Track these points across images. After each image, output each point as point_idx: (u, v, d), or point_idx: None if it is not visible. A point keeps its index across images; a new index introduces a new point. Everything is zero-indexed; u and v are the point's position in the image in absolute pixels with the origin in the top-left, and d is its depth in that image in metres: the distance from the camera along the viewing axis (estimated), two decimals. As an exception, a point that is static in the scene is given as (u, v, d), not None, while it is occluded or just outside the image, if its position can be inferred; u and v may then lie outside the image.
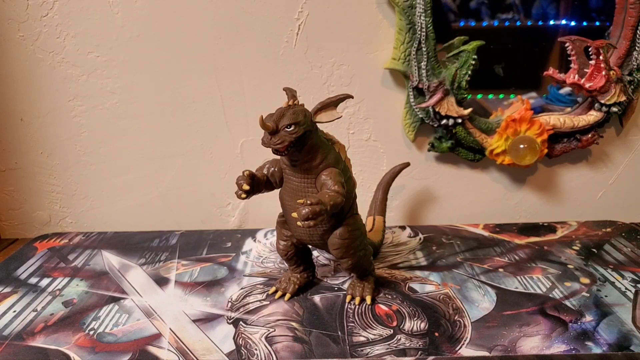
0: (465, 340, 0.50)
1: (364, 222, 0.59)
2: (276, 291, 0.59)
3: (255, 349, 0.49)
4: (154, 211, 0.83)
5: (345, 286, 0.60)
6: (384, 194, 0.74)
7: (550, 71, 0.73)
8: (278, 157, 0.52)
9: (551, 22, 0.76)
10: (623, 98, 0.74)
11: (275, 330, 0.52)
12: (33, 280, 0.63)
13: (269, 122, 0.48)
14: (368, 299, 0.56)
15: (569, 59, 0.73)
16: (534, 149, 0.74)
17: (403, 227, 0.79)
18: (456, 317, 0.54)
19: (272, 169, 0.54)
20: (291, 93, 0.53)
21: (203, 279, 0.63)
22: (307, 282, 0.60)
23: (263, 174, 0.54)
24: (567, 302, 0.56)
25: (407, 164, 0.76)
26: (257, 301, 0.58)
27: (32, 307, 0.57)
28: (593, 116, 0.76)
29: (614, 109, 0.74)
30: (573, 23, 0.76)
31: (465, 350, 0.48)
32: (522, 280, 0.61)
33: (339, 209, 0.51)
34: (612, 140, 0.81)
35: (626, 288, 0.59)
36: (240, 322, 0.53)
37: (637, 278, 0.61)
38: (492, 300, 0.57)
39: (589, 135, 0.77)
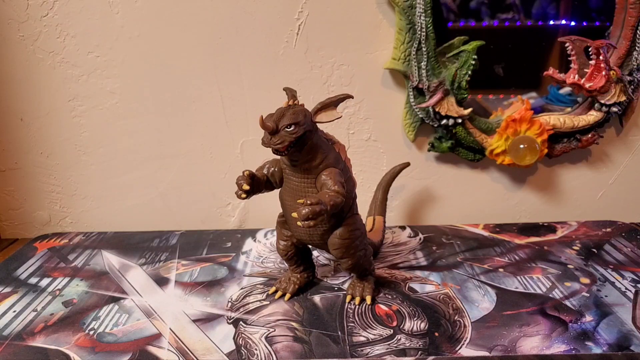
0: (465, 340, 0.50)
1: (364, 222, 0.59)
2: (276, 291, 0.59)
3: (255, 349, 0.49)
4: (154, 211, 0.83)
5: (345, 286, 0.60)
6: (384, 194, 0.74)
7: (550, 71, 0.73)
8: (278, 157, 0.52)
9: (551, 22, 0.76)
10: (623, 98, 0.74)
11: (275, 330, 0.52)
12: (33, 280, 0.63)
13: (269, 122, 0.48)
14: (368, 299, 0.56)
15: (569, 59, 0.72)
16: (534, 149, 0.74)
17: (403, 227, 0.78)
18: (456, 317, 0.54)
19: (272, 169, 0.54)
20: (291, 93, 0.53)
21: (203, 279, 0.63)
22: (307, 282, 0.60)
23: (263, 174, 0.54)
24: (567, 302, 0.56)
25: (407, 164, 0.75)
26: (257, 301, 0.58)
27: (32, 307, 0.57)
28: (593, 116, 0.76)
29: (614, 109, 0.74)
30: (573, 23, 0.76)
31: (465, 350, 0.48)
32: (522, 280, 0.61)
33: (339, 209, 0.51)
34: (612, 140, 0.81)
35: (626, 288, 0.59)
36: (240, 322, 0.53)
37: (637, 278, 0.61)
38: (492, 300, 0.57)
39: (589, 135, 0.77)
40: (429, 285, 0.61)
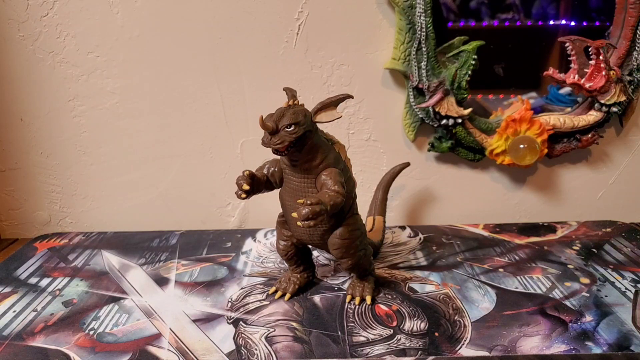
0: (465, 340, 0.50)
1: (364, 222, 0.59)
2: (276, 291, 0.59)
3: (255, 349, 0.49)
4: (154, 211, 0.83)
5: (345, 286, 0.60)
6: (384, 194, 0.74)
7: (550, 71, 0.73)
8: (278, 157, 0.52)
9: (551, 22, 0.76)
10: (623, 98, 0.74)
11: (275, 330, 0.52)
12: (33, 280, 0.63)
13: (269, 122, 0.48)
14: (368, 299, 0.56)
15: (569, 59, 0.73)
16: (534, 149, 0.74)
17: (403, 227, 0.78)
18: (456, 317, 0.54)
19: (272, 169, 0.54)
20: (291, 93, 0.53)
21: (203, 279, 0.63)
22: (307, 282, 0.60)
23: (263, 174, 0.54)
24: (567, 302, 0.56)
25: (407, 164, 0.76)
26: (257, 301, 0.58)
27: (32, 307, 0.57)
28: (593, 116, 0.76)
29: (614, 109, 0.74)
30: (573, 23, 0.76)
31: (465, 350, 0.48)
32: (522, 280, 0.61)
33: (339, 209, 0.51)
34: (612, 140, 0.81)
35: (626, 288, 0.59)
36: (240, 322, 0.53)
37: (637, 278, 0.61)
38: (492, 300, 0.57)
39: (589, 135, 0.77)
40: (429, 285, 0.61)
